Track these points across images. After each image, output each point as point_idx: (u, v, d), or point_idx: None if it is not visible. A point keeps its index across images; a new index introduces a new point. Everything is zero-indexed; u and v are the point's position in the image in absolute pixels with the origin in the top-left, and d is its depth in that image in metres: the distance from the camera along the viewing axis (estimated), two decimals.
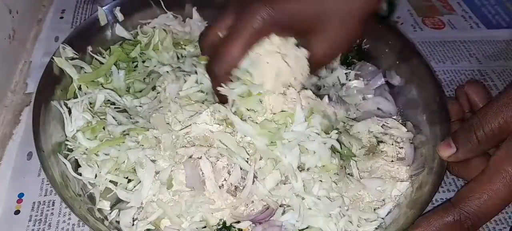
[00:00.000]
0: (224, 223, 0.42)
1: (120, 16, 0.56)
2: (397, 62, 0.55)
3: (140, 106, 0.51)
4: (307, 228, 0.43)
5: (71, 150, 0.46)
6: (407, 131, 0.50)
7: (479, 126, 0.41)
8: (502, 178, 0.38)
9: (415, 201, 0.43)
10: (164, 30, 0.57)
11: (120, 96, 0.50)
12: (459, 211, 0.39)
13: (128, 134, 0.47)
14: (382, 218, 0.44)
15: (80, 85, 0.50)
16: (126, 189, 0.44)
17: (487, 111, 0.41)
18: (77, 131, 0.47)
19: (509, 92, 0.40)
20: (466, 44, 0.66)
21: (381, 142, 0.49)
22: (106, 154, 0.45)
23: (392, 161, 0.47)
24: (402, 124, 0.51)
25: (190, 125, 0.44)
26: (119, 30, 0.56)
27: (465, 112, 0.49)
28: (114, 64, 0.53)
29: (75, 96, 0.50)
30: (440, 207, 0.40)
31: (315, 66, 0.45)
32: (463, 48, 0.66)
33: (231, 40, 0.42)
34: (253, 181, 0.42)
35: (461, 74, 0.62)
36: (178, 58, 0.56)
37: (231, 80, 0.44)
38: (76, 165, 0.46)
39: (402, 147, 0.49)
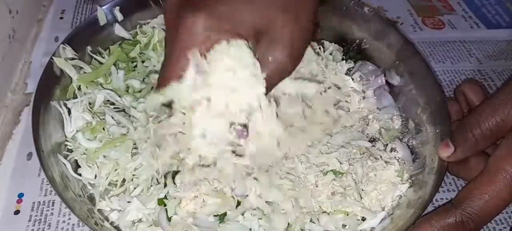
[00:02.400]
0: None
1: (119, 16, 0.56)
2: (397, 62, 0.55)
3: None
4: None
5: (71, 150, 0.46)
6: (401, 130, 0.50)
7: (476, 124, 0.41)
8: (502, 178, 0.38)
9: (415, 201, 0.43)
10: (164, 30, 0.57)
11: (119, 96, 0.50)
12: (461, 212, 0.39)
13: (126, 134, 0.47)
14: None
15: (80, 85, 0.50)
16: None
17: (484, 110, 0.41)
18: (77, 131, 0.47)
19: (505, 90, 0.40)
20: (466, 44, 0.66)
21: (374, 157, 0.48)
22: (105, 156, 0.45)
23: (387, 162, 0.47)
24: (403, 123, 0.52)
25: None
26: (118, 30, 0.56)
27: (464, 112, 0.49)
28: (113, 64, 0.53)
29: (75, 97, 0.50)
30: (441, 208, 0.40)
31: (276, 77, 0.40)
32: (463, 48, 0.66)
33: (166, 64, 0.39)
34: None
35: (461, 74, 0.62)
36: None
37: None
38: (76, 166, 0.46)
39: (395, 149, 0.49)
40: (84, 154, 0.46)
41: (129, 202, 0.43)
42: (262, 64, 0.39)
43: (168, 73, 0.39)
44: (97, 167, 0.45)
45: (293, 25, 0.39)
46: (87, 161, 0.45)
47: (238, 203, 0.43)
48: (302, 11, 0.40)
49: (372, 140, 0.50)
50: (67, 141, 0.47)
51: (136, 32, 0.57)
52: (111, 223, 0.42)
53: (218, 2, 0.38)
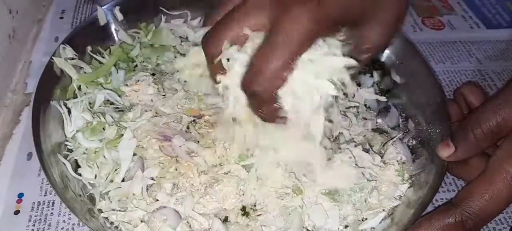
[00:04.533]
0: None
1: (119, 16, 0.56)
2: (397, 62, 0.55)
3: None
4: None
5: (71, 150, 0.46)
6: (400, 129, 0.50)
7: (477, 125, 0.41)
8: (503, 178, 0.38)
9: (415, 202, 0.43)
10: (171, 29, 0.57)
11: (119, 96, 0.50)
12: (461, 212, 0.39)
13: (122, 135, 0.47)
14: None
15: (80, 85, 0.50)
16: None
17: (484, 110, 0.41)
18: (77, 131, 0.47)
19: (506, 91, 0.40)
20: (466, 44, 0.66)
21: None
22: (105, 156, 0.45)
23: (387, 162, 0.47)
24: (403, 123, 0.52)
25: None
26: (121, 35, 0.56)
27: (464, 113, 0.49)
28: (114, 64, 0.53)
29: (75, 97, 0.50)
30: (441, 208, 0.40)
31: (372, 53, 0.39)
32: (463, 49, 0.66)
33: (274, 52, 0.33)
34: None
35: (461, 75, 0.62)
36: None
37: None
38: (76, 166, 0.46)
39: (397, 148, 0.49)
40: (84, 153, 0.46)
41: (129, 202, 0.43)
42: (361, 45, 0.38)
43: (269, 77, 0.34)
44: (97, 166, 0.45)
45: (388, 9, 0.38)
46: (87, 161, 0.45)
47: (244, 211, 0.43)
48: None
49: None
50: (67, 141, 0.47)
51: (137, 31, 0.57)
52: (111, 223, 0.42)
53: None
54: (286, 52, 0.33)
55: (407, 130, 0.52)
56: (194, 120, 0.48)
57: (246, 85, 0.35)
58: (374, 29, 0.38)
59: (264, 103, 0.35)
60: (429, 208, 0.42)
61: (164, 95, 0.50)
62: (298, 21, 0.33)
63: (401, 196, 0.45)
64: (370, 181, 0.45)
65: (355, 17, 0.37)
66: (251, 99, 0.36)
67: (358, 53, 0.38)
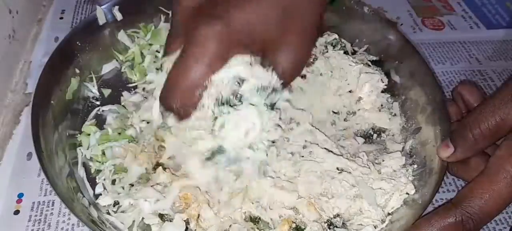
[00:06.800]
0: None
1: (118, 15, 0.56)
2: (397, 62, 0.55)
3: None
4: None
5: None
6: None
7: (476, 124, 0.41)
8: (503, 177, 0.38)
9: (415, 202, 0.43)
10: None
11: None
12: (461, 212, 0.39)
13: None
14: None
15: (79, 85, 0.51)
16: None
17: (483, 109, 0.41)
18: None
19: (504, 90, 0.40)
20: (466, 44, 0.66)
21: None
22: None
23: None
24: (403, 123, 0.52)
25: None
26: (121, 36, 0.56)
27: (463, 112, 0.49)
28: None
29: (74, 97, 0.50)
30: (441, 208, 0.40)
31: (285, 80, 0.39)
32: (463, 49, 0.66)
33: (186, 72, 0.35)
34: None
35: (460, 75, 0.62)
36: None
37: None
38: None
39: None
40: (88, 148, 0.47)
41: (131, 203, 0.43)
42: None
43: (182, 94, 0.36)
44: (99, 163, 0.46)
45: (298, 33, 0.38)
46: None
47: None
48: (307, 18, 0.38)
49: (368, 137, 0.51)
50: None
51: (136, 30, 0.57)
52: (111, 223, 0.42)
53: (233, 10, 0.35)
54: (197, 73, 0.35)
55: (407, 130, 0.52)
56: None
57: (164, 100, 0.37)
58: (283, 55, 0.38)
59: (181, 117, 0.37)
60: (429, 208, 0.42)
61: None
62: (204, 43, 0.35)
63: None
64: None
65: (262, 39, 0.37)
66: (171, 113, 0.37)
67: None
